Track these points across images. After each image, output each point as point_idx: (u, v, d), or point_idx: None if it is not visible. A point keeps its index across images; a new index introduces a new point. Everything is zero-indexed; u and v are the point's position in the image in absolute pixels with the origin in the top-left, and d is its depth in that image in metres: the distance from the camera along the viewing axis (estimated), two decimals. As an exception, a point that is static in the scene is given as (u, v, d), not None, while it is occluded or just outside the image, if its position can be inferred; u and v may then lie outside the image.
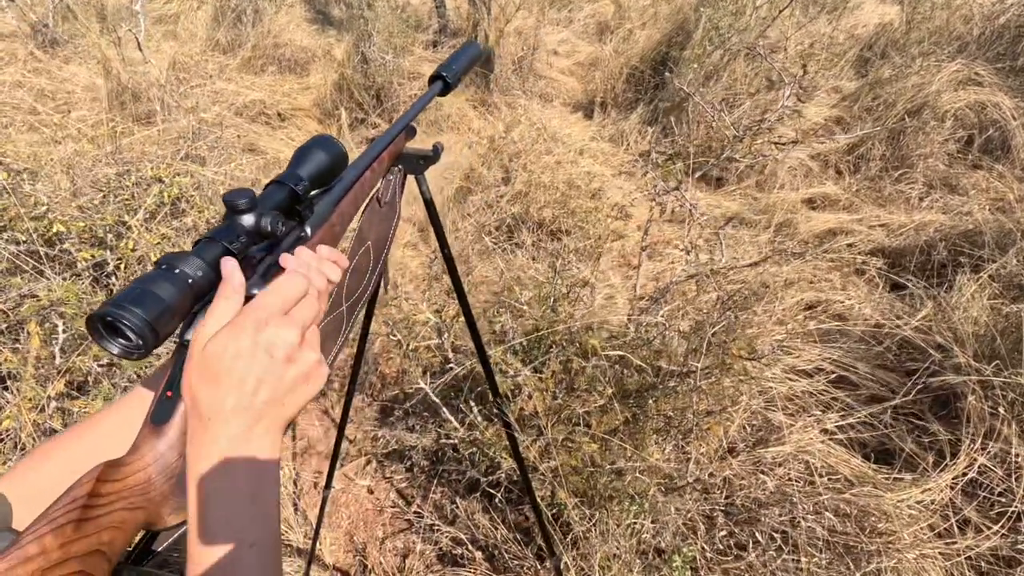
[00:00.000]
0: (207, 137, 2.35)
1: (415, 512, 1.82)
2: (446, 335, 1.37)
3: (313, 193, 0.64)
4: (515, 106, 4.86)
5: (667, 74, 4.16)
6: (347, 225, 0.69)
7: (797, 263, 2.97)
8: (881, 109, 3.96)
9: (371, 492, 1.96)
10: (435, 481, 1.77)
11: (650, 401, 1.22)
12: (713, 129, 3.75)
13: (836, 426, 1.64)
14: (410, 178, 0.92)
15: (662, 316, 1.30)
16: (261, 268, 0.53)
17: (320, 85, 5.08)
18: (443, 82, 0.91)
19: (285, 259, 0.55)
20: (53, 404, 1.17)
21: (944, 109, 3.78)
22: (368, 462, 2.04)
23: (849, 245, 3.09)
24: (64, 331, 1.22)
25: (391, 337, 1.41)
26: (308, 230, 0.60)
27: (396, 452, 2.03)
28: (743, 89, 4.14)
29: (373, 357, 2.25)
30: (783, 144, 1.57)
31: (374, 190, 0.82)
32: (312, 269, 0.57)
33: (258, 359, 0.44)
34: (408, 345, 1.34)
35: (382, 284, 0.91)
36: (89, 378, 1.26)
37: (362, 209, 0.78)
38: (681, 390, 1.19)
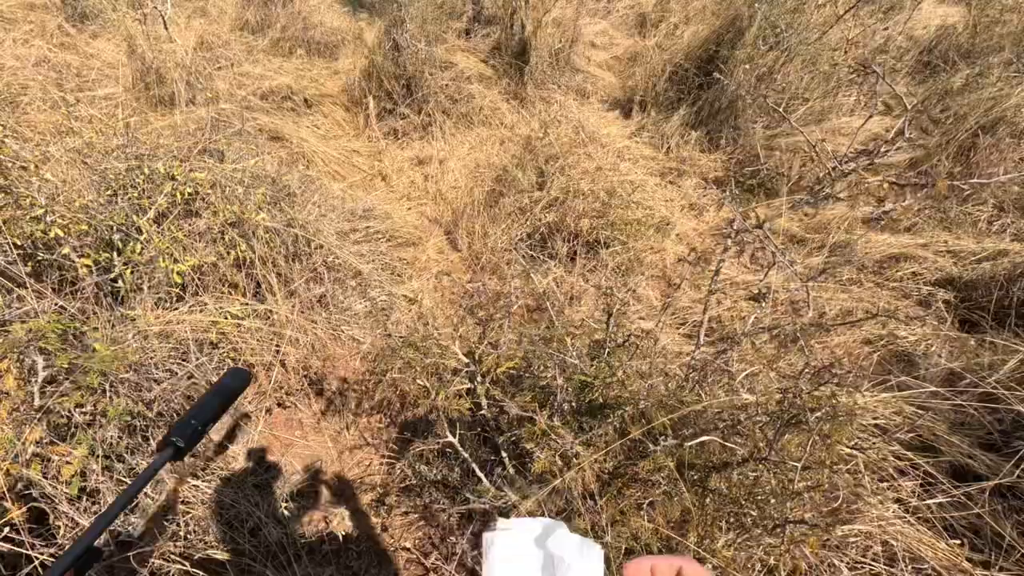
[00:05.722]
0: (226, 130, 2.18)
1: (432, 563, 1.66)
2: (479, 380, 1.19)
3: None
4: (550, 101, 4.62)
5: (716, 74, 3.88)
6: None
7: (856, 290, 2.72)
8: (950, 122, 3.64)
9: (385, 530, 1.80)
10: (459, 532, 1.60)
11: (720, 484, 1.02)
12: (772, 141, 3.47)
13: (920, 503, 1.43)
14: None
15: (740, 384, 1.10)
16: None
17: (349, 70, 4.90)
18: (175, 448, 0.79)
19: None
20: (31, 450, 1.02)
21: (1023, 126, 3.45)
22: (383, 496, 1.87)
23: (914, 273, 2.83)
24: (45, 368, 1.06)
25: (418, 383, 1.23)
26: None
27: (415, 487, 1.86)
28: (798, 93, 3.85)
29: (389, 376, 2.08)
30: (902, 185, 1.34)
31: None
32: None
33: None
34: (437, 394, 1.16)
35: None
36: (71, 423, 1.11)
37: None
38: (762, 478, 1.00)
